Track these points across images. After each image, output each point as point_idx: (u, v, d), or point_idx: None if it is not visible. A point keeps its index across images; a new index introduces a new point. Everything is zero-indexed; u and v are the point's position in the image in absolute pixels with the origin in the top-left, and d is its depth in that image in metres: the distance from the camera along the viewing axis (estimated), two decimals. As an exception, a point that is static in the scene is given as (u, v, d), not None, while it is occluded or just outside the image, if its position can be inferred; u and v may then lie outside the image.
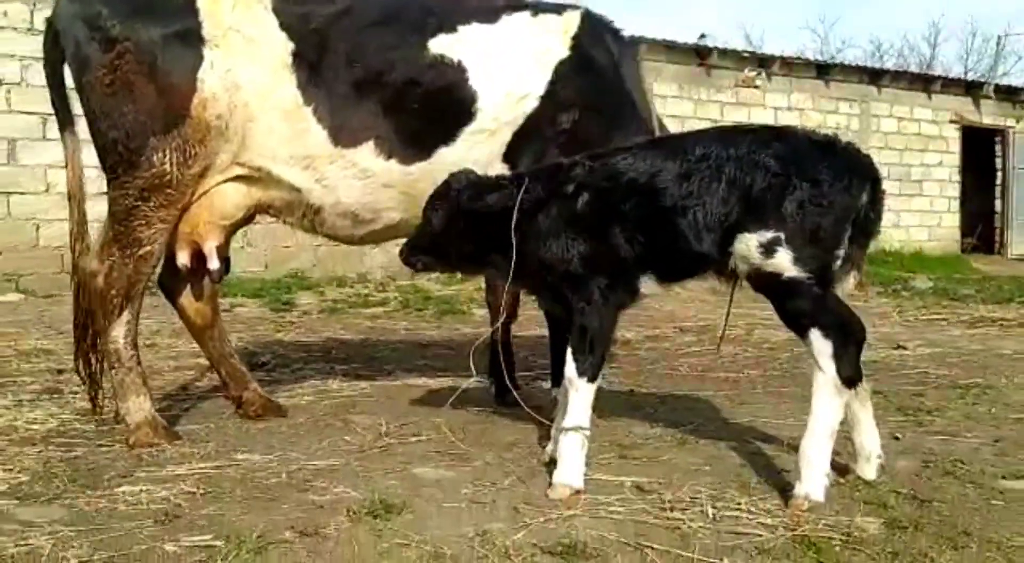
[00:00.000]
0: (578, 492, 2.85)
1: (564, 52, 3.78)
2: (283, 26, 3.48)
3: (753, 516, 2.67)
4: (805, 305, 2.78)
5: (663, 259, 2.99)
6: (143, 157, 3.37)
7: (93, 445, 3.47)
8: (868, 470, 3.06)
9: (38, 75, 8.98)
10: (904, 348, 6.37)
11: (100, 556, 2.32)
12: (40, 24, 8.89)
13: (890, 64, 29.29)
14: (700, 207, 2.84)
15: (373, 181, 3.62)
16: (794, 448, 3.45)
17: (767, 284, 2.83)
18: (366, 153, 3.57)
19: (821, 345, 2.76)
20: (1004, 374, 5.27)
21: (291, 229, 4.07)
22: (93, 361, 3.60)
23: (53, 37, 3.51)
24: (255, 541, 2.41)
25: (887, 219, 12.91)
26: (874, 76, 16.31)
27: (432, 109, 3.61)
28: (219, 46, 3.40)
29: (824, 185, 2.72)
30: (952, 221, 17.16)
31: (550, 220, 3.02)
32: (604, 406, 4.14)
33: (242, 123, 3.47)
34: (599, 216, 2.97)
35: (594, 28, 3.93)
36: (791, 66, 15.17)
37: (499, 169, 3.68)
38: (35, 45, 8.97)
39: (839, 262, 2.83)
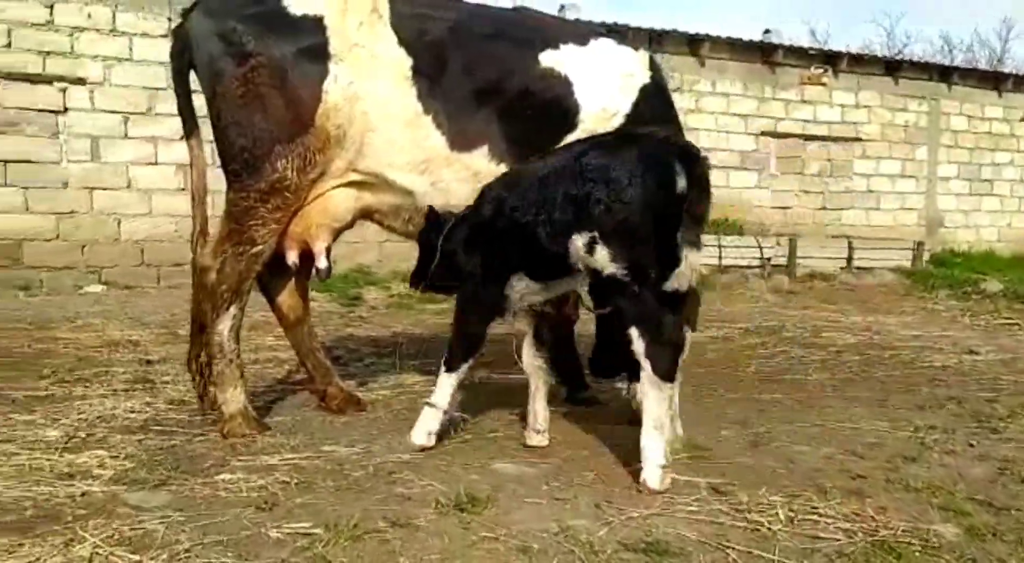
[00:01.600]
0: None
1: (646, 78, 4.09)
2: (402, 42, 3.63)
3: (831, 520, 2.72)
4: (625, 303, 3.00)
5: (533, 262, 3.28)
6: (267, 163, 3.54)
7: (189, 434, 3.66)
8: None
9: (121, 75, 9.41)
10: (976, 353, 6.29)
11: (210, 540, 2.47)
12: (122, 26, 9.28)
13: (959, 59, 28.62)
14: (549, 214, 3.12)
15: (482, 183, 3.75)
16: (860, 455, 3.53)
17: (596, 282, 3.12)
18: (479, 156, 3.73)
19: (637, 344, 2.97)
20: (1080, 382, 5.20)
21: (358, 226, 4.20)
22: (204, 359, 3.77)
23: (180, 48, 3.69)
24: (352, 530, 2.54)
25: (956, 219, 12.69)
26: (943, 73, 15.95)
27: (541, 117, 3.81)
28: (344, 61, 3.55)
29: (624, 185, 2.94)
30: (1022, 221, 16.71)
31: (464, 235, 3.48)
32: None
33: (361, 133, 3.62)
34: (489, 228, 3.36)
35: (656, 63, 4.28)
36: (858, 63, 14.93)
37: None
38: (117, 46, 9.38)
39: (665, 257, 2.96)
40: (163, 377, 4.84)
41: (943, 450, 3.64)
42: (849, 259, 12.08)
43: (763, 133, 13.69)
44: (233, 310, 3.65)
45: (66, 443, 3.46)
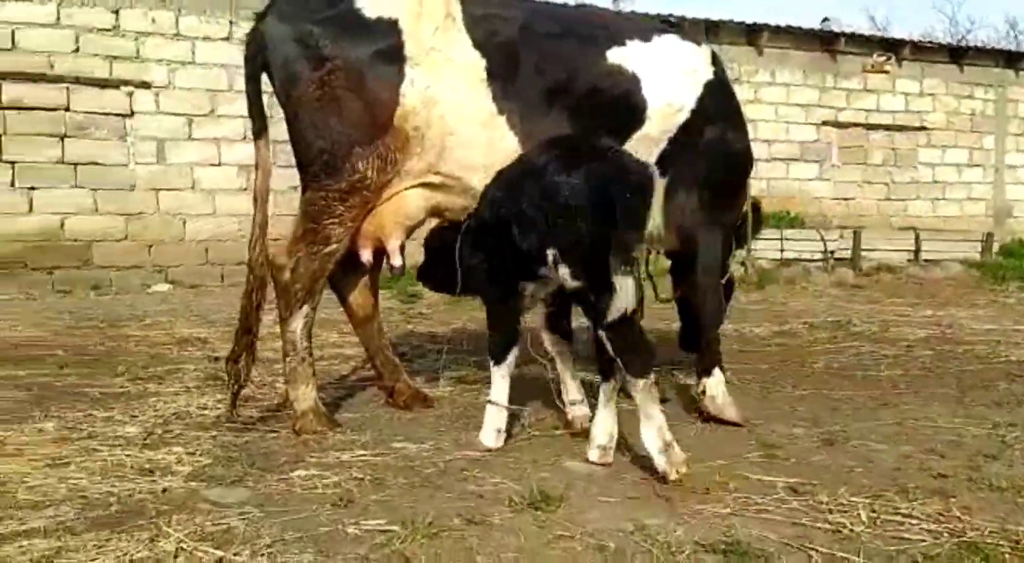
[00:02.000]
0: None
1: (709, 74, 4.12)
2: (476, 44, 3.66)
3: (916, 521, 2.64)
4: (591, 313, 3.12)
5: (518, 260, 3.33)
6: (347, 164, 3.57)
7: (261, 431, 3.71)
8: (591, 454, 3.31)
9: (184, 78, 9.62)
10: (1053, 348, 6.09)
11: (290, 536, 2.50)
12: (185, 30, 9.48)
13: (1028, 44, 27.67)
14: (521, 219, 3.21)
15: None
16: (940, 454, 3.43)
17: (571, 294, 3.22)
18: None
19: (609, 346, 3.08)
20: None
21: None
22: (244, 361, 3.73)
23: (255, 51, 3.70)
24: (428, 527, 2.54)
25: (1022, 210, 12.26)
26: (1010, 59, 15.44)
27: (610, 115, 3.82)
28: (420, 65, 3.59)
29: (576, 204, 3.01)
30: (1094, 211, 16.11)
31: (473, 233, 3.58)
32: (746, 405, 4.19)
33: (440, 136, 3.63)
34: (482, 233, 3.49)
35: (718, 57, 4.29)
36: (922, 50, 14.54)
37: None
38: (180, 50, 9.58)
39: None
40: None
41: (1026, 448, 3.52)
42: (916, 251, 11.79)
43: (824, 123, 13.44)
44: (306, 309, 3.69)
45: (144, 440, 3.54)
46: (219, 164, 9.79)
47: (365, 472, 3.13)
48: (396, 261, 3.85)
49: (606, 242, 3.00)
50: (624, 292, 3.02)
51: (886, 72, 14.07)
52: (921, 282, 10.83)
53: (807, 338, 6.55)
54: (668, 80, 3.93)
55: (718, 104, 4.10)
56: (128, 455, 3.30)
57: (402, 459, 3.32)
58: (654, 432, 3.05)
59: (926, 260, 11.75)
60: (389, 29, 3.57)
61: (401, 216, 3.79)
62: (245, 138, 9.83)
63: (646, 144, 3.91)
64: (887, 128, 13.99)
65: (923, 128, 14.25)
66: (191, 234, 9.70)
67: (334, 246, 3.67)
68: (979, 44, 16.99)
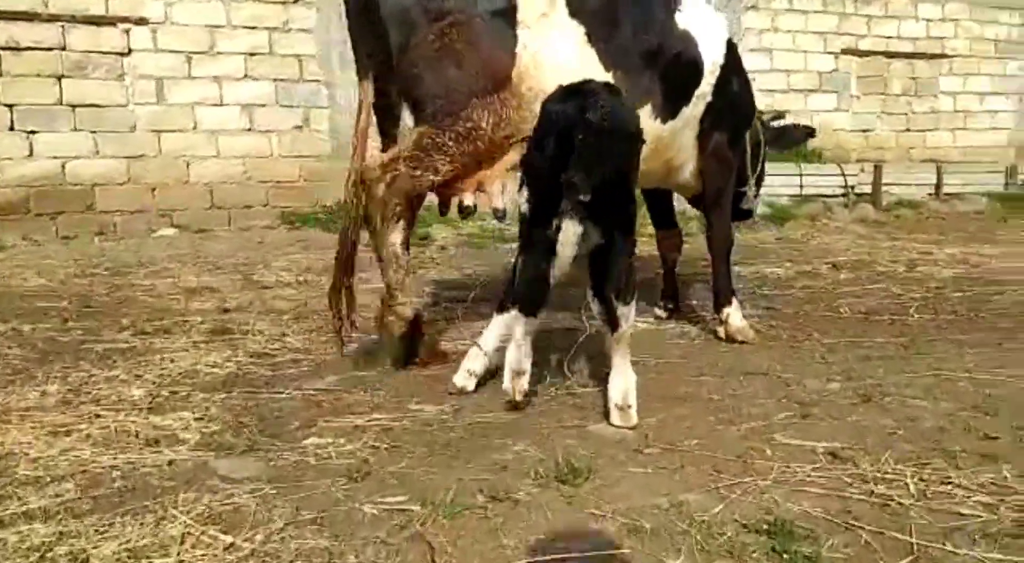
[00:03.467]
0: None
1: (726, 33, 4.49)
2: (572, 11, 3.76)
3: (968, 492, 2.49)
4: (519, 235, 3.27)
5: None
6: (464, 110, 3.62)
7: (271, 391, 3.57)
8: (614, 417, 3.15)
9: (183, 13, 9.25)
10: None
11: (304, 517, 2.36)
12: (180, -38, 9.06)
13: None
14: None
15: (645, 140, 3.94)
16: (984, 411, 3.26)
17: None
18: (644, 115, 3.83)
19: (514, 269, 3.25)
20: None
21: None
22: (345, 298, 3.85)
23: None
24: (449, 505, 2.40)
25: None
26: (1041, -20, 14.81)
27: (684, 75, 4.15)
28: (531, 28, 3.67)
29: (534, 137, 3.14)
30: None
31: None
32: (775, 355, 4.03)
33: None
34: None
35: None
36: (945, -28, 13.93)
37: (695, 129, 4.39)
38: (177, -17, 9.18)
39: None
40: (242, 326, 4.75)
41: (1075, 404, 3.35)
42: (938, 185, 11.49)
43: (844, 51, 12.95)
44: (403, 223, 3.75)
45: (150, 403, 3.40)
46: (221, 104, 9.46)
47: (381, 439, 2.99)
48: (498, 203, 3.86)
49: (552, 174, 2.95)
50: (565, 235, 3.02)
51: (908, -4, 13.49)
52: (944, 217, 10.55)
53: (831, 280, 6.33)
54: (710, 39, 4.24)
55: (733, 58, 4.47)
56: (132, 421, 3.16)
57: (419, 423, 3.17)
58: (509, 375, 3.21)
59: (948, 194, 11.46)
60: None
61: (509, 165, 3.84)
62: (246, 77, 9.51)
63: (700, 101, 4.26)
64: (908, 56, 13.50)
65: (944, 55, 13.75)
66: (195, 177, 9.43)
67: (434, 178, 3.70)
68: (1005, -35, 16.29)
